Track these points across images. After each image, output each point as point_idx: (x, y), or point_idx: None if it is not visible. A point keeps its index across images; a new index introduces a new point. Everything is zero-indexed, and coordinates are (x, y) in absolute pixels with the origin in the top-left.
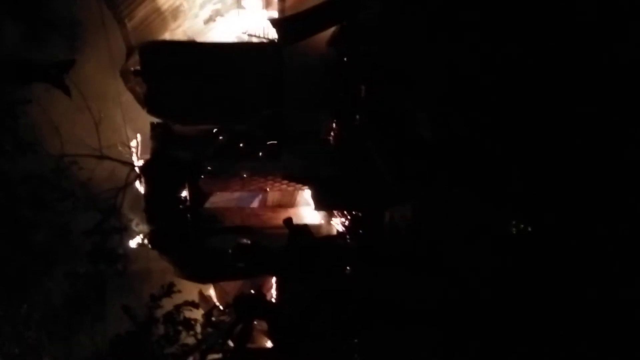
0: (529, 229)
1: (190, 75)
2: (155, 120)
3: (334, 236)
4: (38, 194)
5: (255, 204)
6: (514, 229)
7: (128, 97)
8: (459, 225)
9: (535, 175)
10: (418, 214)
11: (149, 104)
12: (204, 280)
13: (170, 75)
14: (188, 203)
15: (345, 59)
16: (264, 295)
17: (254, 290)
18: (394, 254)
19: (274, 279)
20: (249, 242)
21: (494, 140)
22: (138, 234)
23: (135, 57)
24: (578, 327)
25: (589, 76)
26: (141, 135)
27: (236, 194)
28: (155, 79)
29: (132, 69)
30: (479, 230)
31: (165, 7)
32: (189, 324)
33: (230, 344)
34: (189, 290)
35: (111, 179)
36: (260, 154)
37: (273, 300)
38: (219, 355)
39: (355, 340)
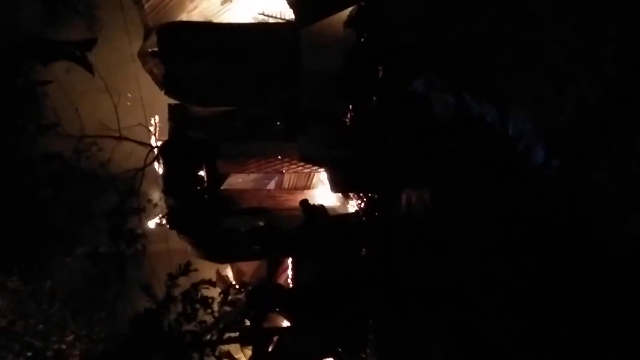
0: (546, 213)
1: (207, 56)
2: (173, 101)
3: (349, 215)
4: (59, 174)
5: (271, 186)
6: (531, 211)
7: (146, 79)
8: (477, 208)
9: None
10: (436, 197)
11: (166, 85)
12: (221, 260)
13: (187, 56)
14: (205, 184)
15: (362, 39)
16: (278, 285)
17: (269, 274)
18: (410, 235)
19: (289, 260)
20: (264, 223)
21: (515, 124)
22: (157, 215)
23: (153, 39)
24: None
25: None
26: (159, 117)
27: (252, 176)
28: (173, 61)
29: (150, 50)
30: (496, 213)
31: None
32: (206, 302)
33: (247, 322)
34: (206, 269)
35: (130, 160)
36: (277, 135)
37: (289, 281)
38: (236, 334)
39: (370, 321)
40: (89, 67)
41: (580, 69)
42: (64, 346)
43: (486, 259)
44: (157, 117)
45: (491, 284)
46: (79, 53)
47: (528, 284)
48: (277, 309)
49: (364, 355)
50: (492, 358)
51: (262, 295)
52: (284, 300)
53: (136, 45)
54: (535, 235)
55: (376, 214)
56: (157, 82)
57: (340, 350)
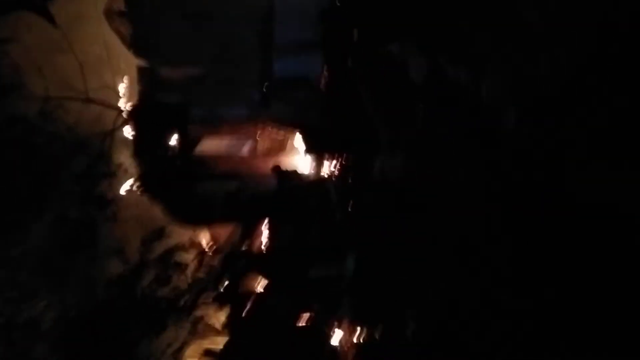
0: (518, 174)
1: (177, 15)
2: (143, 63)
3: (323, 180)
4: (24, 137)
5: (245, 151)
6: (504, 173)
7: (113, 39)
8: (451, 172)
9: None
10: (409, 161)
11: (135, 46)
12: (195, 225)
13: (156, 15)
14: (177, 148)
15: (338, 1)
16: (251, 249)
17: (242, 239)
18: (382, 201)
19: (264, 224)
20: (238, 187)
21: (488, 87)
22: (128, 180)
23: None
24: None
25: None
26: (127, 79)
27: (226, 141)
28: (141, 20)
29: (117, 9)
30: (471, 180)
31: None
32: (179, 267)
33: (222, 287)
34: (180, 234)
35: (98, 123)
36: (251, 100)
37: (263, 246)
38: (210, 299)
39: (346, 280)
40: (50, 18)
41: (554, 34)
42: (35, 313)
43: (460, 221)
44: (125, 79)
45: (465, 247)
46: (40, 2)
47: (503, 247)
48: (253, 271)
49: (339, 312)
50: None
51: (236, 259)
52: (259, 263)
53: (102, 2)
54: (509, 197)
55: (349, 179)
56: (124, 42)
57: (316, 307)
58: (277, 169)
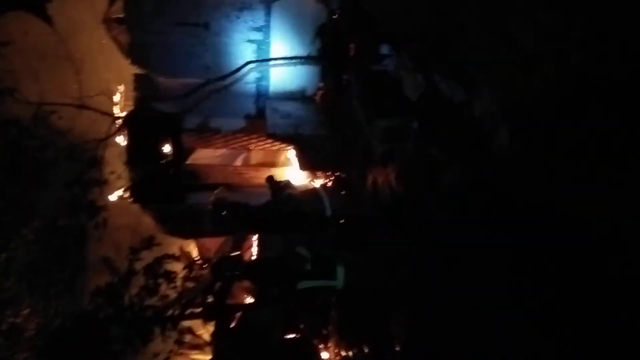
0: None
1: (175, 26)
2: (139, 71)
3: (316, 191)
4: (17, 141)
5: (238, 162)
6: (495, 192)
7: (110, 47)
8: (444, 191)
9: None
10: (401, 179)
11: (132, 54)
12: (185, 235)
13: (154, 25)
14: (170, 158)
15: (334, 15)
16: (242, 257)
17: (232, 249)
18: (374, 215)
19: (254, 237)
20: (230, 199)
21: (482, 105)
22: (119, 187)
23: (119, 4)
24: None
25: None
26: (124, 87)
27: (219, 152)
28: (139, 29)
29: (115, 16)
30: (464, 196)
31: None
32: (169, 276)
33: (210, 299)
34: (170, 244)
35: (92, 130)
36: (246, 111)
37: (253, 258)
38: (199, 310)
39: (334, 299)
40: (48, 19)
41: (547, 51)
42: (19, 320)
43: (449, 238)
44: (121, 87)
45: (454, 265)
46: (38, 3)
47: (492, 264)
48: (242, 278)
49: (326, 332)
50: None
51: (227, 265)
52: (249, 270)
53: (101, 10)
54: (499, 215)
55: (342, 192)
56: (122, 51)
57: (302, 327)
58: (270, 179)
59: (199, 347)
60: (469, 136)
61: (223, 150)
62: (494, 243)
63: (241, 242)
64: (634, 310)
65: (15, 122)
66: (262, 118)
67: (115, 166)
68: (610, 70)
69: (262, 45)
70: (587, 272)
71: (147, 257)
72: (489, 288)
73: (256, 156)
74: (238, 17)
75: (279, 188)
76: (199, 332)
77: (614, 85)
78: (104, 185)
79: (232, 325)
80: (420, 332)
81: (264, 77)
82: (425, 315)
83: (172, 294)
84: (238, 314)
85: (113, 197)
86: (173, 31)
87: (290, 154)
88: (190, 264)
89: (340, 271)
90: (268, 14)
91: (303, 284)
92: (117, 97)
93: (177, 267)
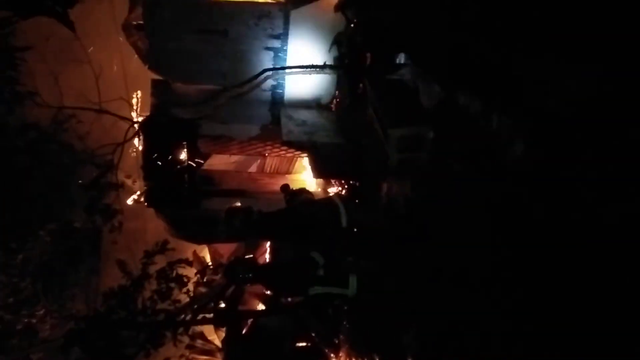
0: (524, 205)
1: (194, 32)
2: (157, 77)
3: (331, 199)
4: (36, 145)
5: (253, 168)
6: (510, 204)
7: (130, 52)
8: (459, 203)
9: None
10: (417, 189)
11: (150, 60)
12: (198, 241)
13: (173, 31)
14: (186, 163)
15: (352, 24)
16: (256, 260)
17: (246, 254)
18: (388, 225)
19: (268, 244)
20: (244, 205)
21: (499, 115)
22: (135, 192)
23: (138, 11)
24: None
25: None
26: (141, 92)
27: (234, 158)
28: (158, 35)
29: (135, 22)
30: (479, 209)
31: None
32: (181, 280)
33: (222, 304)
34: (183, 249)
35: (109, 134)
36: (261, 118)
37: (266, 264)
38: (211, 315)
39: (345, 308)
40: (70, 25)
41: (564, 64)
42: (34, 320)
43: (465, 250)
44: (139, 92)
45: (469, 275)
46: (60, 9)
47: (509, 274)
48: (255, 280)
49: (337, 341)
50: (463, 350)
51: (240, 266)
52: (262, 273)
53: (120, 16)
54: (515, 227)
55: (356, 201)
56: (141, 56)
57: (313, 335)
58: (285, 187)
59: (210, 352)
60: (485, 147)
61: (238, 157)
62: (507, 255)
63: (254, 249)
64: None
65: (34, 125)
66: (278, 125)
67: (132, 170)
68: (628, 79)
69: (280, 52)
70: (606, 282)
71: (161, 261)
72: (501, 300)
73: (271, 163)
74: (256, 25)
75: (294, 196)
76: (210, 338)
77: (633, 95)
78: (120, 189)
79: (243, 331)
80: (431, 343)
81: (280, 85)
82: (436, 326)
83: (185, 299)
84: (249, 320)
85: (129, 201)
86: (191, 38)
87: (305, 161)
88: (203, 268)
89: (353, 279)
90: (286, 22)
91: (315, 290)
92: (134, 102)
93: (190, 272)
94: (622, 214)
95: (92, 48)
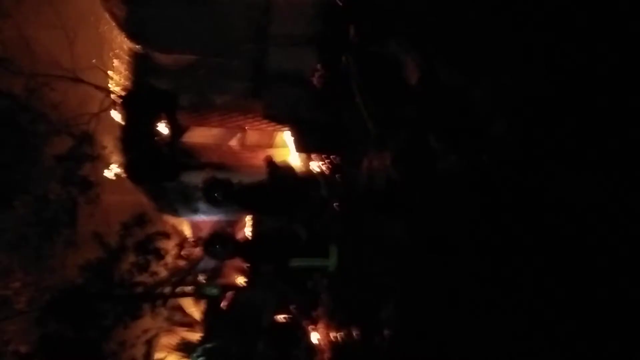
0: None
1: (173, 1)
2: (134, 45)
3: (313, 174)
4: (8, 113)
5: (233, 142)
6: (490, 180)
7: (105, 19)
8: (439, 175)
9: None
10: (397, 162)
11: (127, 28)
12: (178, 213)
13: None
14: (165, 135)
15: None
16: (234, 233)
17: (224, 228)
18: (370, 198)
19: (247, 217)
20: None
21: (482, 91)
22: (112, 163)
23: None
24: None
25: None
26: (118, 61)
27: (214, 131)
28: (136, 3)
29: None
30: (459, 183)
31: None
32: (159, 253)
33: (201, 278)
34: (162, 222)
35: (85, 103)
36: (242, 91)
37: (247, 237)
38: (190, 288)
39: (324, 281)
40: None
41: (548, 41)
42: (9, 293)
43: (441, 225)
44: (116, 61)
45: (446, 252)
46: None
47: (484, 251)
48: (234, 253)
49: (316, 314)
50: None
51: (218, 240)
52: (242, 246)
53: None
54: (493, 203)
55: (337, 175)
56: (117, 24)
57: (292, 308)
58: (268, 159)
59: (189, 324)
60: (466, 123)
61: (218, 130)
62: (486, 230)
63: (235, 222)
64: (626, 301)
65: (6, 93)
66: (258, 98)
67: (108, 141)
68: (612, 61)
69: (261, 23)
70: (579, 261)
71: (139, 234)
72: (480, 275)
73: (252, 137)
74: None
75: (276, 168)
76: (189, 310)
77: (615, 76)
78: (96, 161)
79: (223, 304)
80: (410, 318)
81: (261, 57)
82: (415, 301)
83: (163, 272)
84: (229, 294)
85: (107, 174)
86: (171, 6)
87: (286, 135)
88: (181, 242)
89: (333, 252)
90: None
91: (296, 261)
92: (111, 72)
93: (169, 245)
94: (602, 195)
95: (65, 13)
